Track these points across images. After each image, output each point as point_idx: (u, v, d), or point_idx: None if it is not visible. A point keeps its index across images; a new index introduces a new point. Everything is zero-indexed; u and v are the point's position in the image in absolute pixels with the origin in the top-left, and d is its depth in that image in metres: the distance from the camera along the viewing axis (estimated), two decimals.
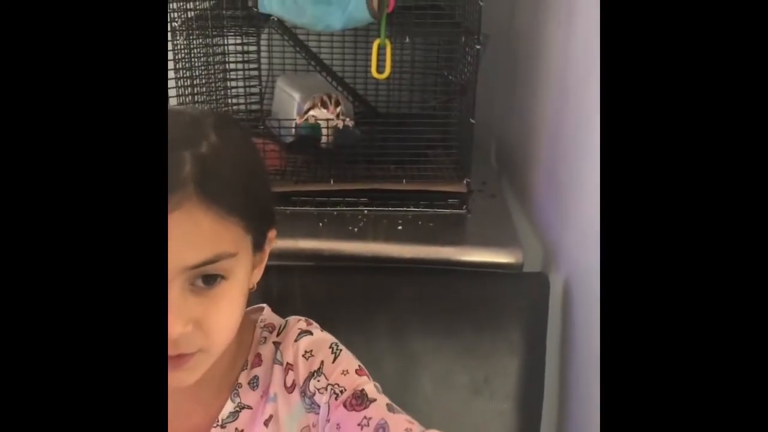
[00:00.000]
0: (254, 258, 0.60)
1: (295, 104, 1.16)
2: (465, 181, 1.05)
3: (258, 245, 0.60)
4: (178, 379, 0.55)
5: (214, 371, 0.60)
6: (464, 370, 0.89)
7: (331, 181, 1.04)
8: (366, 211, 1.04)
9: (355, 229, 0.99)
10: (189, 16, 0.97)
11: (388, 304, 0.90)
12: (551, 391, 0.99)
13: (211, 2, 1.06)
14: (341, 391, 0.61)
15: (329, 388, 0.61)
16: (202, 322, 0.54)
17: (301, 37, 1.20)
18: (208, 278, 0.54)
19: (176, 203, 0.50)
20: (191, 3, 0.98)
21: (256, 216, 0.58)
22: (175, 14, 0.94)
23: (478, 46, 0.98)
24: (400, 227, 1.00)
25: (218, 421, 0.63)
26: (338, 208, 1.03)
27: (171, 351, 0.53)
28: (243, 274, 0.57)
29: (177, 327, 0.52)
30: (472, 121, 1.02)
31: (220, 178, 0.54)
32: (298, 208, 1.03)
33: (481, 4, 0.96)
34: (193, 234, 0.52)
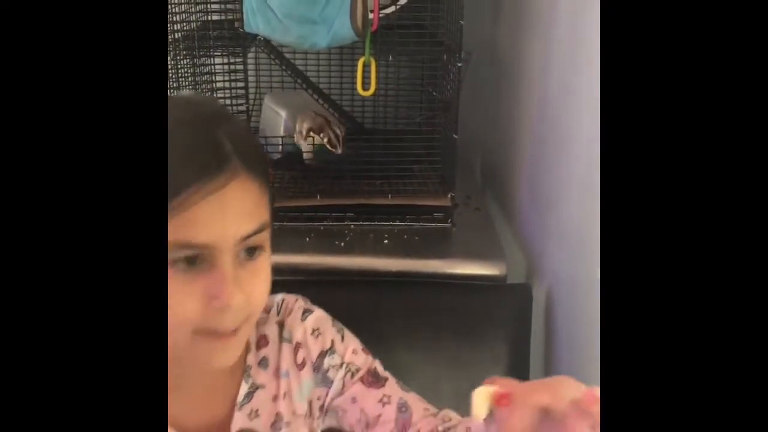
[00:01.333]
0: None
1: (281, 121, 1.18)
2: (449, 196, 1.07)
3: (272, 224, 0.61)
4: (225, 357, 0.56)
5: None
6: (449, 381, 0.90)
7: (318, 197, 1.06)
8: (352, 226, 1.06)
9: (342, 244, 1.00)
10: (175, 36, 0.99)
11: (373, 317, 0.91)
12: None
13: (198, 23, 1.08)
14: (356, 370, 0.67)
15: (344, 366, 0.66)
16: (248, 293, 0.55)
17: (288, 56, 1.23)
18: (251, 251, 0.55)
19: (228, 177, 0.52)
20: (178, 24, 1.00)
21: (271, 194, 0.60)
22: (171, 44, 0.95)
23: (459, 64, 1.01)
24: (386, 241, 1.02)
25: (237, 405, 0.63)
26: (325, 223, 1.05)
27: (226, 326, 0.53)
28: (269, 249, 0.59)
29: (236, 295, 0.52)
30: (455, 136, 1.04)
31: (254, 151, 0.56)
32: (285, 223, 1.05)
33: (462, 23, 0.98)
34: (246, 205, 0.54)
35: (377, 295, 0.94)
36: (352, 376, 0.66)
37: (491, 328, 0.92)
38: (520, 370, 0.93)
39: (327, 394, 0.66)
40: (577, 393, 0.47)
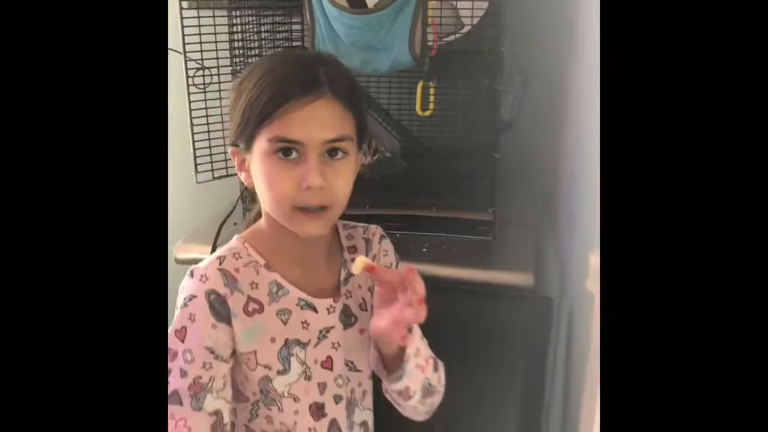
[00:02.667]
0: (356, 156, 0.81)
1: None
2: (490, 210, 1.14)
3: (359, 146, 0.82)
4: (313, 228, 0.78)
5: (329, 247, 0.87)
6: (467, 380, 0.96)
7: (367, 207, 1.16)
8: (398, 235, 1.14)
9: None
10: (250, 61, 1.13)
11: None
12: (555, 408, 1.04)
13: (274, 48, 1.22)
14: None
15: None
16: (330, 183, 0.76)
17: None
18: (333, 152, 0.77)
19: (317, 96, 0.74)
20: (254, 50, 1.13)
21: (360, 120, 0.80)
22: (238, 60, 1.09)
23: (499, 87, 1.08)
24: (424, 249, 1.10)
25: (340, 281, 0.87)
26: None
27: (306, 203, 0.76)
28: (353, 159, 0.80)
29: (317, 179, 0.74)
30: (496, 155, 1.11)
31: (343, 84, 0.78)
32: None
33: (503, 49, 1.06)
34: (330, 117, 0.76)
35: None
36: None
37: (508, 335, 0.98)
38: (535, 374, 0.98)
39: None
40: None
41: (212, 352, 0.76)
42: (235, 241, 0.84)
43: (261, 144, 0.76)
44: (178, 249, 1.14)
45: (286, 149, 0.75)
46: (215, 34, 1.03)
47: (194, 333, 0.76)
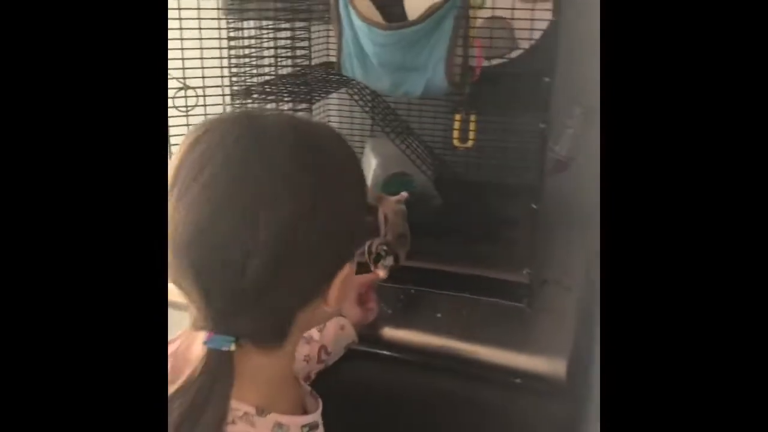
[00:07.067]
0: None
1: (371, 171, 1.13)
2: (525, 272, 0.94)
3: None
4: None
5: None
6: None
7: None
8: (413, 291, 0.97)
9: (389, 311, 0.92)
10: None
11: (389, 400, 0.81)
12: None
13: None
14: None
15: None
16: None
17: (392, 104, 1.17)
18: None
19: None
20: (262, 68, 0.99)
21: None
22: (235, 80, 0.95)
23: (542, 125, 0.88)
24: (439, 315, 0.91)
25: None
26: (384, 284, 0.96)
27: None
28: None
29: None
30: (534, 206, 0.91)
31: None
32: None
33: (547, 80, 0.86)
34: None
35: (399, 375, 0.84)
36: None
37: None
38: None
39: None
40: None
41: None
42: None
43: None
44: None
45: None
46: (201, 49, 0.88)
47: None
